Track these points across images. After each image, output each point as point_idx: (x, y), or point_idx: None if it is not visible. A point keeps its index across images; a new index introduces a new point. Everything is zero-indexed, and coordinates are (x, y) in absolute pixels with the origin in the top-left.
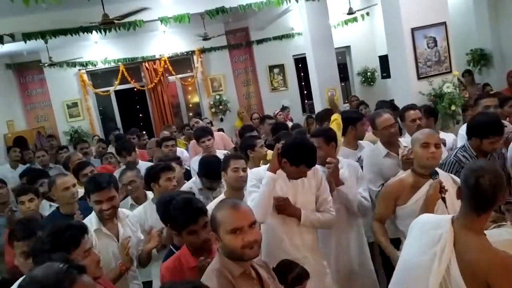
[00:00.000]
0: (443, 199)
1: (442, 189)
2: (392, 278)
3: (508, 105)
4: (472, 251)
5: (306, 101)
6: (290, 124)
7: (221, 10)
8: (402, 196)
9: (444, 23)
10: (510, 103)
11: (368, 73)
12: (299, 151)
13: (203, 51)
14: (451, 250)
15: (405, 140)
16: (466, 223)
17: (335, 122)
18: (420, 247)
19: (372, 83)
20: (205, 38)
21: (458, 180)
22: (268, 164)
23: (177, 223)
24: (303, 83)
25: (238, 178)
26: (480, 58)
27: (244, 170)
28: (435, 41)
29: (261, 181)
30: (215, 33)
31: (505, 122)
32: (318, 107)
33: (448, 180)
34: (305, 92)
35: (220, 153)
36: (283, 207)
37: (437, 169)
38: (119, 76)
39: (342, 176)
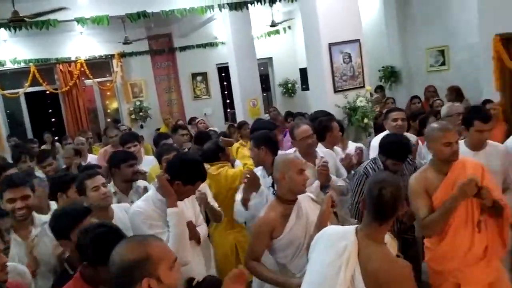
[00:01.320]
0: (335, 213)
1: (333, 203)
2: None
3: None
4: (374, 261)
5: (228, 110)
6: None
7: (142, 15)
8: (276, 228)
9: (358, 40)
10: (420, 118)
11: (289, 85)
12: (194, 168)
13: (123, 55)
14: (355, 260)
15: (321, 150)
16: (369, 233)
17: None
18: (327, 258)
19: (292, 95)
20: (126, 42)
21: (314, 197)
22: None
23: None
24: (226, 92)
25: (101, 197)
26: (391, 74)
27: (104, 185)
28: (350, 56)
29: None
30: (136, 37)
31: (409, 135)
32: (240, 116)
33: (307, 199)
34: (228, 101)
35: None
36: (190, 230)
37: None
38: (30, 78)
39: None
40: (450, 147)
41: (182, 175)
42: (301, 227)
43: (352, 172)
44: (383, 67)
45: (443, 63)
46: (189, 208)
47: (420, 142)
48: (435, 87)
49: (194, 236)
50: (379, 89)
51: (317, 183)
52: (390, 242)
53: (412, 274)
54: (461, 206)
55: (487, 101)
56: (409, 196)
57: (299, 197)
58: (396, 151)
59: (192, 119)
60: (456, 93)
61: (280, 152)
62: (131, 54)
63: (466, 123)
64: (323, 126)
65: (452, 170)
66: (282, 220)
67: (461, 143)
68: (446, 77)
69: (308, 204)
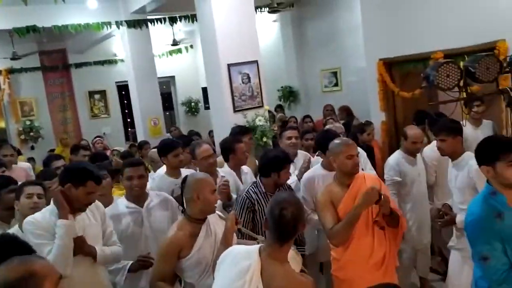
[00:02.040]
0: (239, 230)
1: (237, 221)
2: None
3: (304, 138)
4: (277, 280)
5: (129, 129)
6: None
7: (32, 29)
8: (184, 248)
9: (256, 62)
10: (308, 136)
11: (192, 104)
12: (79, 168)
13: (11, 71)
14: (258, 279)
15: (223, 170)
16: (271, 253)
17: None
18: (231, 278)
19: (196, 113)
20: (14, 57)
21: (222, 215)
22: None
23: None
24: (126, 111)
25: (33, 205)
26: (289, 94)
27: (40, 196)
28: (248, 77)
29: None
30: (26, 52)
31: (300, 152)
32: (141, 136)
33: (214, 216)
34: (129, 120)
35: None
36: (79, 246)
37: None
38: None
39: None
40: (352, 160)
41: (69, 175)
42: (209, 246)
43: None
44: (282, 87)
45: (336, 84)
46: (93, 224)
47: (311, 159)
48: (333, 106)
49: (85, 252)
50: (279, 108)
51: (218, 202)
52: (295, 257)
53: None
54: (362, 216)
55: (368, 122)
56: (316, 209)
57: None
58: (278, 161)
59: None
60: (346, 113)
61: (186, 171)
62: (21, 70)
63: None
64: (227, 148)
65: (354, 183)
66: (190, 240)
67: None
68: (339, 97)
69: (215, 221)
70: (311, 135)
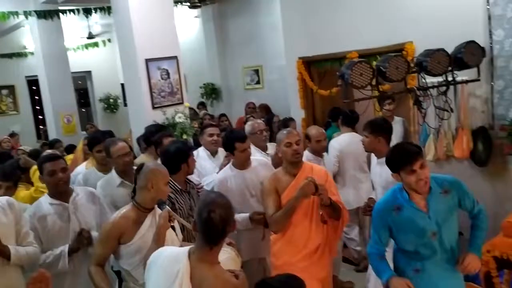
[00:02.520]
0: (173, 228)
1: (171, 218)
2: None
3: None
4: (208, 283)
5: (41, 126)
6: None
7: None
8: (126, 233)
9: (176, 57)
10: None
11: (111, 100)
12: None
13: None
14: (188, 284)
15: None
16: (201, 256)
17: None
18: (161, 282)
19: (115, 110)
20: None
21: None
22: None
23: None
24: (37, 107)
25: None
26: (212, 91)
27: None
28: (168, 73)
29: None
30: None
31: (221, 150)
32: (53, 134)
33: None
34: (40, 117)
35: None
36: None
37: None
38: None
39: None
40: (290, 148)
41: None
42: (152, 236)
43: None
44: (204, 84)
45: (258, 82)
46: (3, 224)
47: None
48: (255, 104)
49: (1, 251)
50: (201, 105)
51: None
52: (235, 259)
53: None
54: (301, 206)
55: (290, 119)
56: (261, 195)
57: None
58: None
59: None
60: (265, 111)
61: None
62: None
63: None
64: (154, 142)
65: (300, 173)
66: (133, 227)
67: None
68: (261, 94)
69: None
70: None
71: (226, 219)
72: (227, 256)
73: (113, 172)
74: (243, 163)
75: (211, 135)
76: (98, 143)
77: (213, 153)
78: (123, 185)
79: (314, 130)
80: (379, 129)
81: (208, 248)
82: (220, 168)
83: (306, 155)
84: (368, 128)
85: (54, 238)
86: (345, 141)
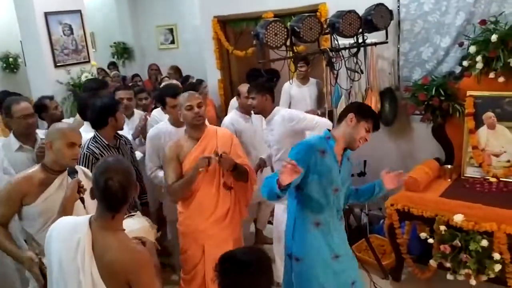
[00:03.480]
0: (82, 200)
1: (80, 189)
2: None
3: (138, 98)
4: (111, 252)
5: None
6: None
7: None
8: (29, 195)
9: (80, 12)
10: (142, 96)
11: (10, 59)
12: None
13: None
14: (90, 254)
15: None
16: (103, 223)
17: None
18: (63, 257)
19: (15, 70)
20: None
21: (89, 172)
22: None
23: None
24: None
25: None
26: (123, 51)
27: None
28: (71, 28)
29: None
30: None
31: (137, 111)
32: None
33: (82, 174)
34: None
35: None
36: None
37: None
38: None
39: None
40: (191, 111)
41: None
42: (59, 200)
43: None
44: (114, 43)
45: (173, 41)
46: None
47: (148, 118)
48: (158, 66)
49: None
50: (112, 65)
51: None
52: (148, 229)
53: (151, 260)
54: (208, 173)
55: (200, 80)
56: (163, 164)
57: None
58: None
59: None
60: (179, 73)
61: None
62: None
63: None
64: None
65: (204, 137)
66: (38, 188)
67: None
68: (176, 55)
69: (81, 178)
70: (144, 94)
71: (126, 185)
72: (140, 227)
73: (11, 135)
74: (178, 120)
75: (121, 99)
76: None
77: (128, 116)
78: (22, 149)
79: (244, 87)
80: (264, 88)
81: (110, 216)
82: (136, 130)
83: (234, 114)
84: (254, 90)
85: None
86: None
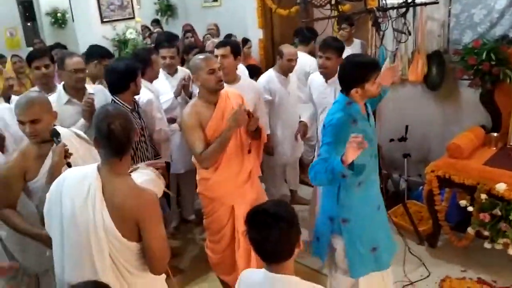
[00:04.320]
0: (69, 165)
1: (67, 154)
2: (54, 255)
3: (192, 54)
4: (120, 194)
5: None
6: None
7: None
8: (30, 170)
9: None
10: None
11: (59, 14)
12: None
13: None
14: (100, 197)
15: (93, 87)
16: (111, 168)
17: None
18: (75, 203)
19: (63, 25)
20: None
21: (81, 133)
22: None
23: None
24: None
25: None
26: (167, 8)
27: None
28: None
29: None
30: None
31: (182, 69)
32: None
33: (72, 137)
34: None
35: None
36: None
37: (60, 128)
38: None
39: None
40: (214, 75)
41: None
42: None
43: None
44: (159, 0)
45: (215, 0)
46: None
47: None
48: (191, 25)
49: None
50: (155, 23)
51: (82, 121)
52: (156, 180)
53: (157, 203)
54: (233, 134)
55: (247, 40)
56: (183, 132)
57: (62, 132)
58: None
59: None
60: (217, 30)
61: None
62: None
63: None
64: (143, 59)
65: (220, 100)
66: (36, 162)
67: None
68: (218, 13)
69: (70, 140)
70: (197, 50)
71: (127, 126)
72: (147, 178)
73: (60, 88)
74: (226, 77)
75: (164, 57)
76: (39, 58)
77: (172, 73)
78: (71, 103)
79: (288, 48)
80: (342, 50)
81: (118, 159)
82: (177, 89)
83: (271, 73)
84: (333, 49)
85: None
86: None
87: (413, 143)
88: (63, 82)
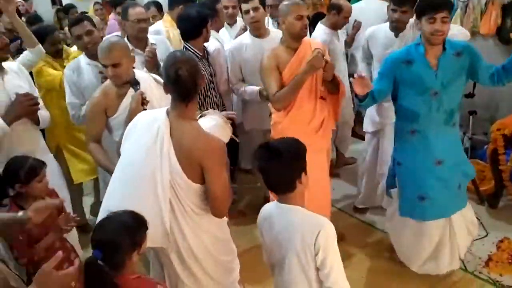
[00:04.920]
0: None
1: (144, 101)
2: (110, 186)
3: None
4: (187, 137)
5: None
6: None
7: None
8: (110, 108)
9: None
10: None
11: None
12: None
13: None
14: (168, 139)
15: (153, 37)
16: (178, 113)
17: None
18: (143, 146)
19: None
20: None
21: (158, 78)
22: None
23: None
24: None
25: None
26: None
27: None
28: None
29: None
30: None
31: (241, 20)
32: None
33: (151, 82)
34: None
35: None
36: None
37: (139, 72)
38: None
39: None
40: (301, 21)
41: None
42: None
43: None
44: None
45: None
46: (23, 88)
47: None
48: None
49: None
50: None
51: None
52: (223, 125)
53: (223, 149)
54: (306, 82)
55: None
56: (261, 74)
57: (140, 76)
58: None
59: None
60: None
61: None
62: None
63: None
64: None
65: (301, 47)
66: (116, 100)
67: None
68: None
69: (149, 84)
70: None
71: (194, 72)
72: (214, 123)
73: (125, 38)
74: (259, 30)
75: (226, 7)
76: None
77: (231, 24)
78: (134, 52)
79: (347, 4)
80: (415, 2)
81: (184, 105)
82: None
83: (321, 28)
84: (411, 2)
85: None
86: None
87: (481, 100)
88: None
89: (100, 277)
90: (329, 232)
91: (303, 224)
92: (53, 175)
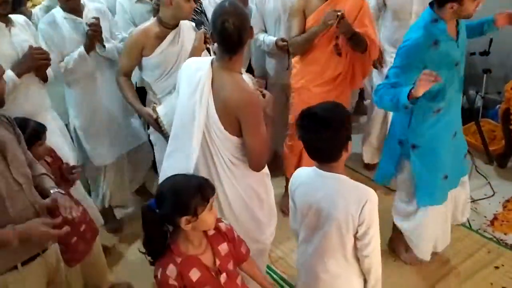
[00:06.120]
0: (208, 50)
1: (207, 39)
2: (173, 129)
3: None
4: (226, 89)
5: None
6: None
7: None
8: (147, 47)
9: None
10: None
11: None
12: None
13: None
14: (208, 89)
15: None
16: (221, 64)
17: None
18: (187, 90)
19: None
20: None
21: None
22: None
23: None
24: None
25: None
26: None
27: None
28: None
29: None
30: None
31: None
32: None
33: (189, 27)
34: None
35: None
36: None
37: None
38: None
39: None
40: None
41: None
42: (173, 53)
43: None
44: None
45: None
46: (30, 42)
47: None
48: None
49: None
50: None
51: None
52: (250, 82)
53: (257, 104)
54: (330, 31)
55: None
56: (288, 15)
57: (182, 23)
58: None
59: None
60: None
61: None
62: None
63: None
64: None
65: None
66: (155, 41)
67: None
68: None
69: (188, 33)
70: None
71: (241, 26)
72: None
73: None
74: None
75: None
76: None
77: None
78: (142, 1)
79: None
80: None
81: (228, 57)
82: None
83: None
84: None
85: (68, 50)
86: None
87: (496, 58)
88: None
89: (150, 221)
90: (374, 203)
91: (348, 194)
92: (53, 134)
